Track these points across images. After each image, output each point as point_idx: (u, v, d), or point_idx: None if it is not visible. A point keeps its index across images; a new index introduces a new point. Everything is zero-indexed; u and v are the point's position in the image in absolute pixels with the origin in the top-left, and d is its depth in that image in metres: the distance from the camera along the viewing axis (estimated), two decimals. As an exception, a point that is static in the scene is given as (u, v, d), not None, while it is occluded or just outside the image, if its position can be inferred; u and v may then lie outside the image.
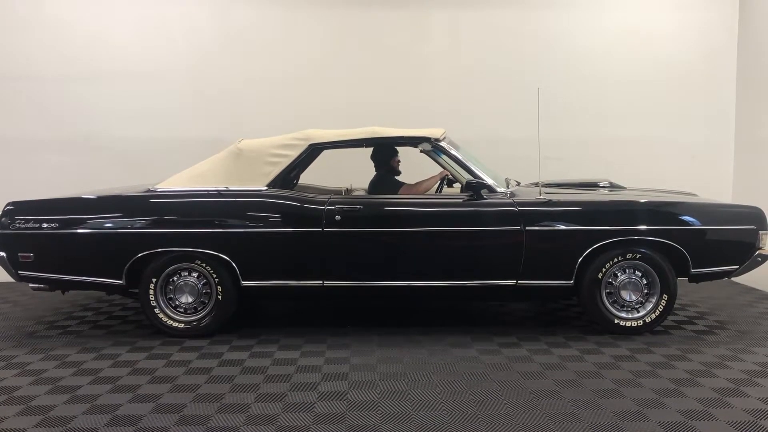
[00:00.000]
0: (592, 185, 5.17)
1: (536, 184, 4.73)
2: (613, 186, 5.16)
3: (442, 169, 4.68)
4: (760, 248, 4.30)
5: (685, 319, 4.74)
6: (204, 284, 4.27)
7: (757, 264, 4.33)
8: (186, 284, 4.26)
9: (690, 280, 4.38)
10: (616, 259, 4.20)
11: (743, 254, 4.30)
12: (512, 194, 4.38)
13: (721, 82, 6.58)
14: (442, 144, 4.50)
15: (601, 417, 2.98)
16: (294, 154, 4.40)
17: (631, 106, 6.52)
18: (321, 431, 2.85)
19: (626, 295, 4.25)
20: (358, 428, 2.88)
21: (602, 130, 6.49)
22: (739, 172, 6.54)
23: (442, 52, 6.50)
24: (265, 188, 4.31)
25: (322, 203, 4.23)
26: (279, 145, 4.43)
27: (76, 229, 4.21)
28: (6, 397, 3.27)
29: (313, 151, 4.49)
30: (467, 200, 4.30)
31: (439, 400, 3.21)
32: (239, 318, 4.66)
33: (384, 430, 2.86)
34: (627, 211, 4.27)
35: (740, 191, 6.41)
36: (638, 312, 4.27)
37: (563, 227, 4.21)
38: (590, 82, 6.50)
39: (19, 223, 4.21)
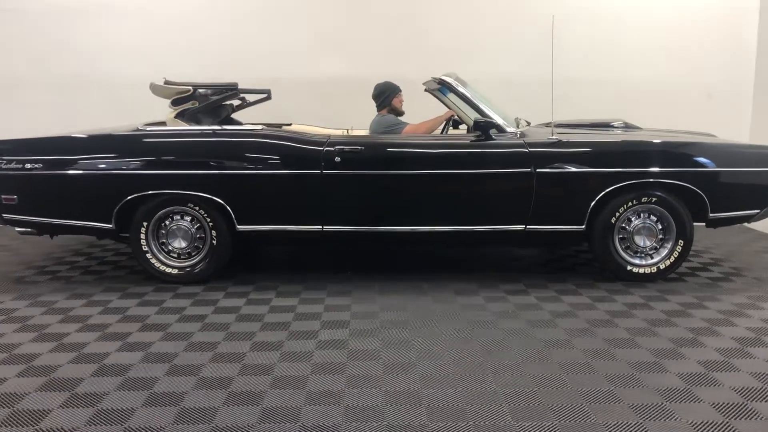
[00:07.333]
0: (606, 126, 4.91)
1: (548, 125, 4.47)
2: (627, 126, 4.90)
3: (448, 109, 4.44)
4: (783, 192, 4.08)
5: (699, 266, 4.56)
6: (198, 228, 4.08)
7: (779, 209, 4.13)
8: (179, 228, 4.07)
9: (707, 225, 4.17)
10: (630, 203, 3.99)
11: (765, 198, 4.09)
12: (522, 135, 4.14)
13: (741, 18, 6.24)
14: (450, 81, 4.26)
15: (616, 368, 2.82)
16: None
17: (647, 43, 6.19)
18: (320, 381, 2.70)
19: (640, 241, 4.05)
20: (359, 378, 2.73)
21: (617, 68, 6.20)
22: (758, 112, 6.24)
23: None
24: (261, 127, 4.10)
25: (321, 144, 4.00)
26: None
27: (62, 170, 3.98)
28: (-11, 345, 3.12)
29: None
30: (475, 141, 4.06)
31: (444, 349, 3.06)
32: (235, 264, 4.49)
33: (386, 381, 2.71)
34: (642, 153, 4.05)
35: (759, 132, 6.14)
36: (652, 258, 4.09)
37: (575, 169, 3.98)
38: (605, 19, 6.16)
39: (1, 163, 3.99)
